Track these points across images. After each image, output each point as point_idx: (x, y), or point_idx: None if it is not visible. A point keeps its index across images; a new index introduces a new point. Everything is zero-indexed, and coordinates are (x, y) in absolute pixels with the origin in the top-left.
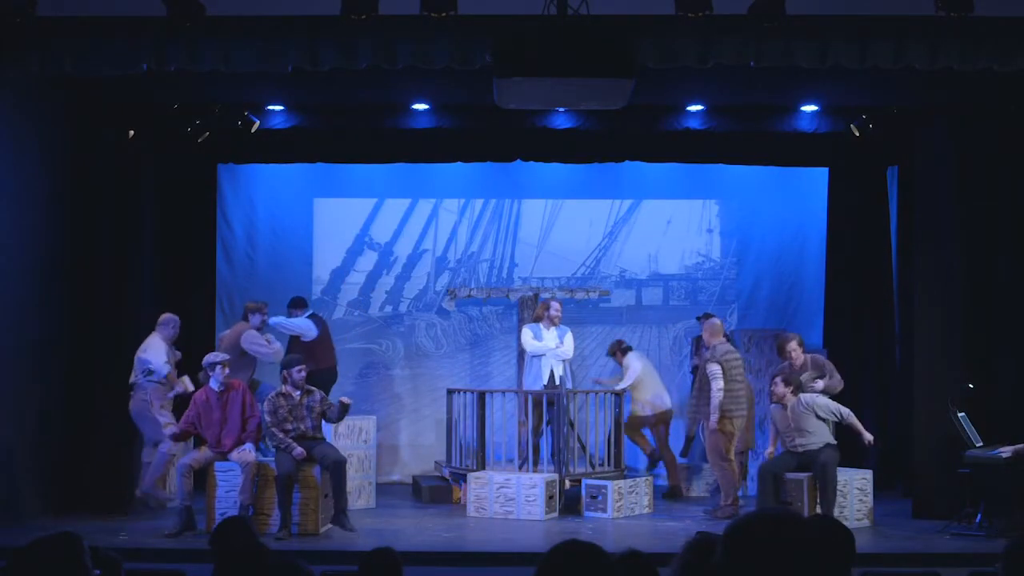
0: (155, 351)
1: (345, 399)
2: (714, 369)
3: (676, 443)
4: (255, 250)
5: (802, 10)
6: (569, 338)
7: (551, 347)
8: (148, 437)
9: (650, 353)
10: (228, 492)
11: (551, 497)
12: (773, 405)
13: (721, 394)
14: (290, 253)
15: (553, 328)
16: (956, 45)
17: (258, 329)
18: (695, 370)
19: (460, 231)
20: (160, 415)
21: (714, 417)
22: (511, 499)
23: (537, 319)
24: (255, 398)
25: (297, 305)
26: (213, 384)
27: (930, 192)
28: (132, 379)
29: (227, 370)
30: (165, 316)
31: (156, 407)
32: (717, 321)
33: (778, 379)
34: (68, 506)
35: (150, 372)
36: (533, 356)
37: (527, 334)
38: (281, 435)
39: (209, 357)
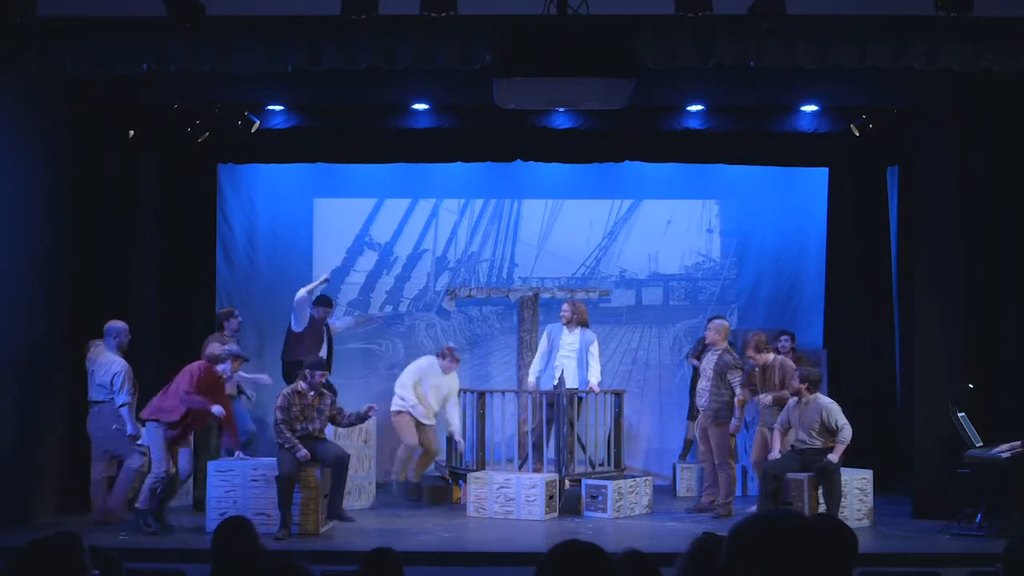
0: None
1: (369, 410)
2: (738, 376)
3: (670, 445)
4: (255, 250)
5: (802, 10)
6: (594, 347)
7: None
8: (115, 453)
9: (650, 353)
10: (228, 492)
11: (551, 497)
12: (790, 400)
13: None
14: (290, 253)
15: (577, 330)
16: (956, 45)
17: (235, 332)
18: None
19: (460, 231)
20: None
21: (735, 423)
22: (511, 499)
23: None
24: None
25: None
26: (223, 369)
27: (930, 192)
28: (96, 397)
29: (238, 369)
30: (111, 324)
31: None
32: (726, 323)
33: (796, 374)
34: (68, 506)
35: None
36: (549, 356)
37: (543, 336)
38: (288, 434)
39: (230, 347)
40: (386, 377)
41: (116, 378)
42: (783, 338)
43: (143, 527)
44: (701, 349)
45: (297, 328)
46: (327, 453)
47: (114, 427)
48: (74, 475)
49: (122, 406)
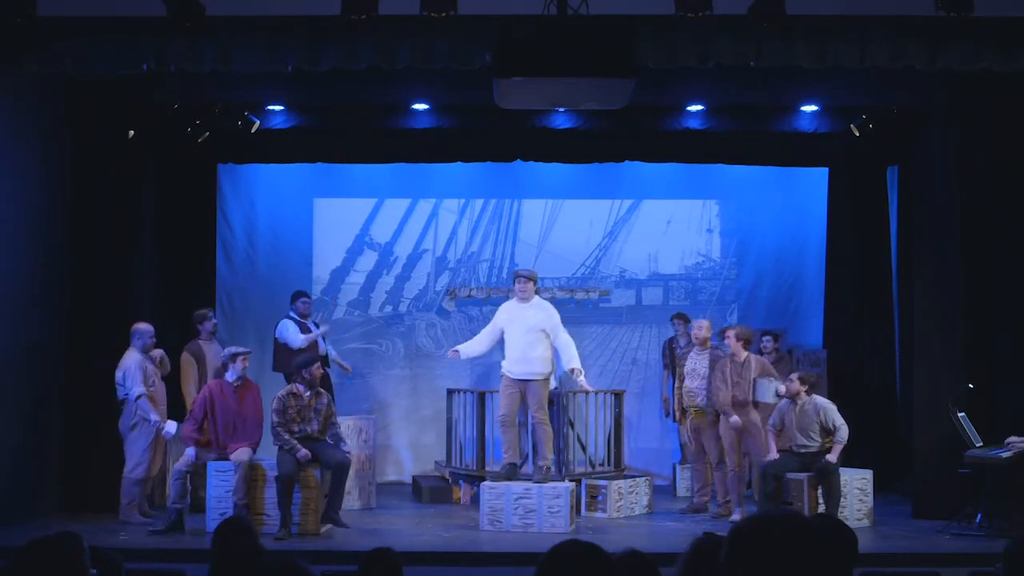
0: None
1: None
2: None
3: (669, 445)
4: (255, 250)
5: (802, 10)
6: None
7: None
8: (125, 451)
9: (650, 353)
10: (228, 492)
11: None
12: (783, 402)
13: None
14: (290, 253)
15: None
16: (956, 45)
17: (211, 334)
18: (677, 371)
19: (460, 231)
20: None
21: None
22: (531, 510)
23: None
24: None
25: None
26: (230, 376)
27: (930, 192)
28: (119, 396)
29: (247, 364)
30: (136, 326)
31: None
32: (708, 320)
33: (794, 376)
34: (68, 506)
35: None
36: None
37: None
38: (287, 436)
39: (229, 349)
40: (386, 377)
41: (126, 373)
42: (765, 338)
43: (175, 524)
44: (671, 356)
45: (296, 345)
46: (328, 456)
47: (131, 423)
48: (75, 475)
49: (138, 398)
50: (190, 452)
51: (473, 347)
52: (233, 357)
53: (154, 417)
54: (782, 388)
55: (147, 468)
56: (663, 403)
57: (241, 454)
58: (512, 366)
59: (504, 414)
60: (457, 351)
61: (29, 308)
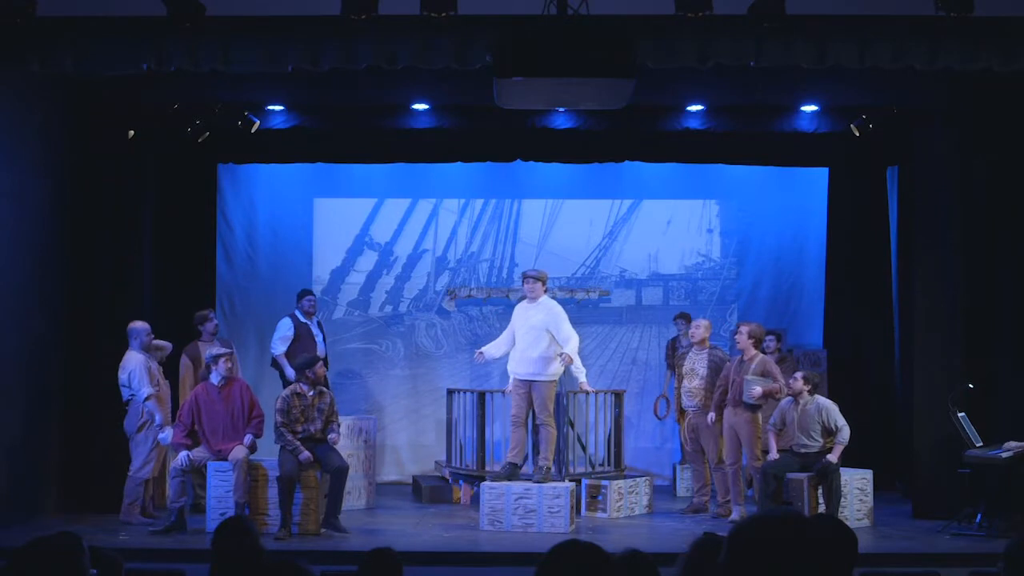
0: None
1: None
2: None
3: (669, 445)
4: (255, 250)
5: (802, 10)
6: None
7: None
8: (131, 452)
9: (650, 353)
10: (227, 492)
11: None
12: (785, 400)
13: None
14: (290, 253)
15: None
16: (956, 45)
17: (212, 334)
18: (676, 369)
19: (460, 231)
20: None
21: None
22: (532, 510)
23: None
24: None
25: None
26: (214, 378)
27: (930, 192)
28: (124, 396)
29: (230, 364)
30: (132, 325)
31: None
32: (708, 320)
33: (798, 375)
34: (68, 506)
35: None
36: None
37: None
38: (290, 436)
39: (211, 350)
40: (386, 377)
41: (132, 375)
42: (768, 338)
43: (176, 524)
44: (672, 354)
45: (273, 350)
46: (328, 460)
47: (138, 424)
48: (75, 475)
49: (147, 399)
50: (182, 456)
51: (495, 348)
52: (215, 359)
53: (159, 418)
54: (756, 391)
55: (152, 468)
56: (655, 401)
57: (238, 452)
58: (515, 366)
59: (513, 414)
60: (482, 353)
61: (29, 308)
